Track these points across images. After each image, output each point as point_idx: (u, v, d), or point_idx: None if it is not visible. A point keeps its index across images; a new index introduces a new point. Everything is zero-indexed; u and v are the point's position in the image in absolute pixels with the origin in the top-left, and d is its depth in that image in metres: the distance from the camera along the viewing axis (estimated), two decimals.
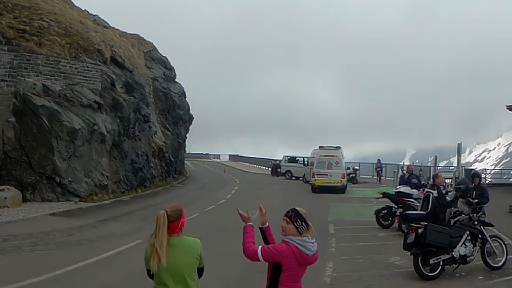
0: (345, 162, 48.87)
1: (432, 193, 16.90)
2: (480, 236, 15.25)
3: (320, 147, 46.58)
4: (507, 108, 51.85)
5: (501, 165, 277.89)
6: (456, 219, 15.47)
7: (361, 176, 60.46)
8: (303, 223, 6.40)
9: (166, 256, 6.11)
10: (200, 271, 6.57)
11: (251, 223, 6.72)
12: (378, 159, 61.66)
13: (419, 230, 14.57)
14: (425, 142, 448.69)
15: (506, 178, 58.99)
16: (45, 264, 15.36)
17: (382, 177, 58.17)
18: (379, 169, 59.07)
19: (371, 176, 62.38)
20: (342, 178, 44.19)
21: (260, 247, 6.46)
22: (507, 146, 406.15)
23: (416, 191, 23.23)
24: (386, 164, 64.71)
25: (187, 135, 66.47)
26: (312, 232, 6.38)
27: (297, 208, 6.52)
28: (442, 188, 18.22)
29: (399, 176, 33.91)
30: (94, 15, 48.74)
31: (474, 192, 18.47)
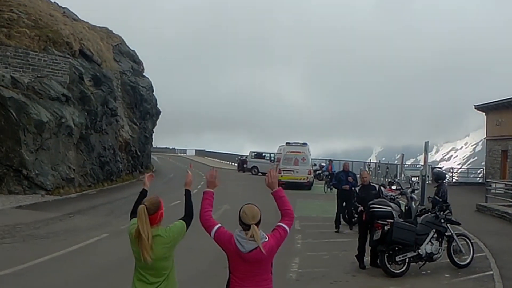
0: (312, 159, 49.10)
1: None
2: (446, 234, 15.42)
3: (287, 143, 46.68)
4: (475, 108, 52.71)
5: (468, 164, 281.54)
6: (422, 217, 15.60)
7: None
8: (241, 225, 6.43)
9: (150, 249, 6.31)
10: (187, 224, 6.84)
11: (211, 190, 6.92)
12: (329, 160, 53.15)
13: (386, 228, 14.72)
14: (393, 140, 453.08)
15: (472, 177, 59.77)
16: (11, 258, 15.27)
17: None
18: (327, 172, 47.43)
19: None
20: (308, 174, 44.42)
21: (218, 225, 6.55)
22: (475, 146, 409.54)
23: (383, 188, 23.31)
24: (353, 161, 64.28)
25: (154, 130, 66.43)
26: (252, 232, 6.26)
27: (243, 208, 6.50)
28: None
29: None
30: (63, 8, 48.45)
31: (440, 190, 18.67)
